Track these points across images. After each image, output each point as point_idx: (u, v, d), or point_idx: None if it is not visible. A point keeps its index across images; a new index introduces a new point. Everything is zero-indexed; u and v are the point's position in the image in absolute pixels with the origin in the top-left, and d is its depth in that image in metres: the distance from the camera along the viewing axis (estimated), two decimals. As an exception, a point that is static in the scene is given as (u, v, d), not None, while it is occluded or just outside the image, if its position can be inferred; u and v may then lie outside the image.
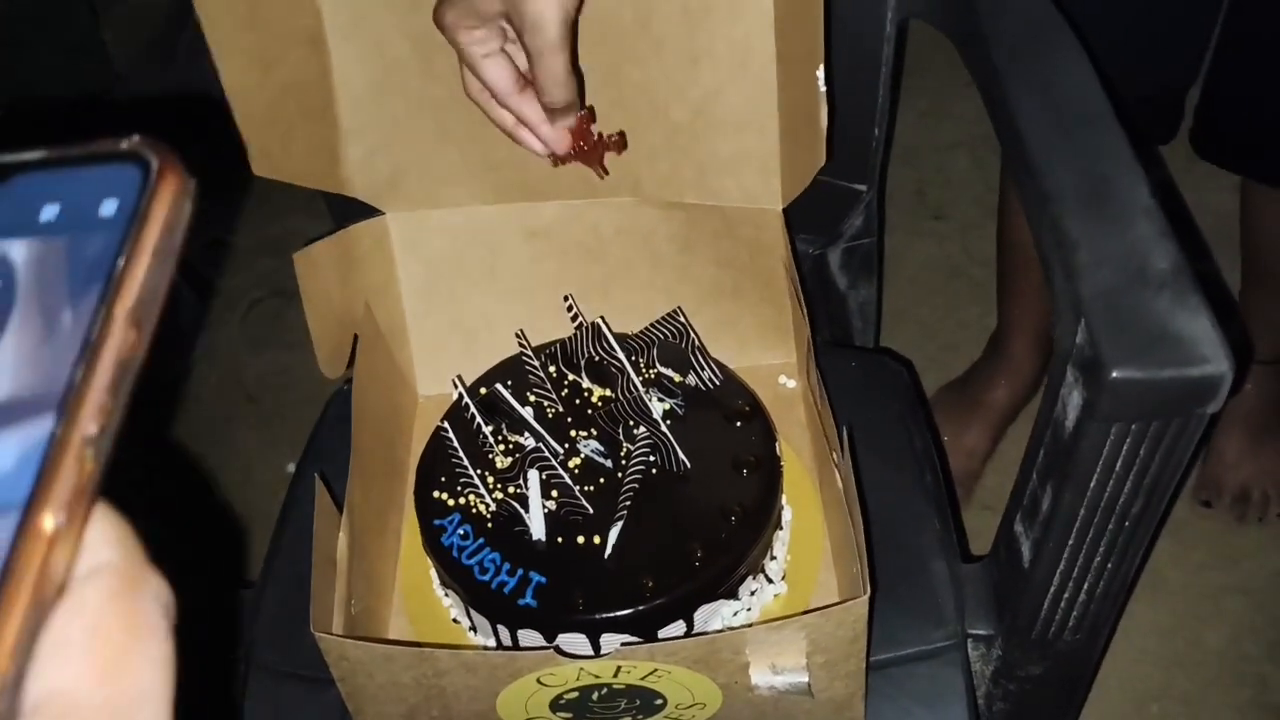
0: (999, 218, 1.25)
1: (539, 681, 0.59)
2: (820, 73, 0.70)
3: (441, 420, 0.77)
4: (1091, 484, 0.58)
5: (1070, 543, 0.61)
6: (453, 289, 0.87)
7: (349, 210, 0.83)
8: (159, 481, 1.10)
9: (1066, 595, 0.65)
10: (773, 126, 0.77)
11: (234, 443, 1.50)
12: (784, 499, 0.75)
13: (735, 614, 0.70)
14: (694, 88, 0.76)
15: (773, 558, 0.73)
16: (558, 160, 0.73)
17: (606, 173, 0.76)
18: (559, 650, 0.57)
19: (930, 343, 1.47)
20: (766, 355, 0.87)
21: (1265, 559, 1.26)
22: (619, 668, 0.58)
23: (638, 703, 0.61)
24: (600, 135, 0.73)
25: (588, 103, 0.75)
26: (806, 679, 0.59)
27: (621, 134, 0.74)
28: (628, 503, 0.71)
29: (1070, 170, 0.61)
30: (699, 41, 0.73)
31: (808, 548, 0.75)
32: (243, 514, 1.40)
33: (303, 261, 0.76)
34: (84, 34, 1.47)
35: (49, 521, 0.21)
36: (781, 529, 0.75)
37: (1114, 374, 0.52)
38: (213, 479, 1.45)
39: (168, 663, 0.23)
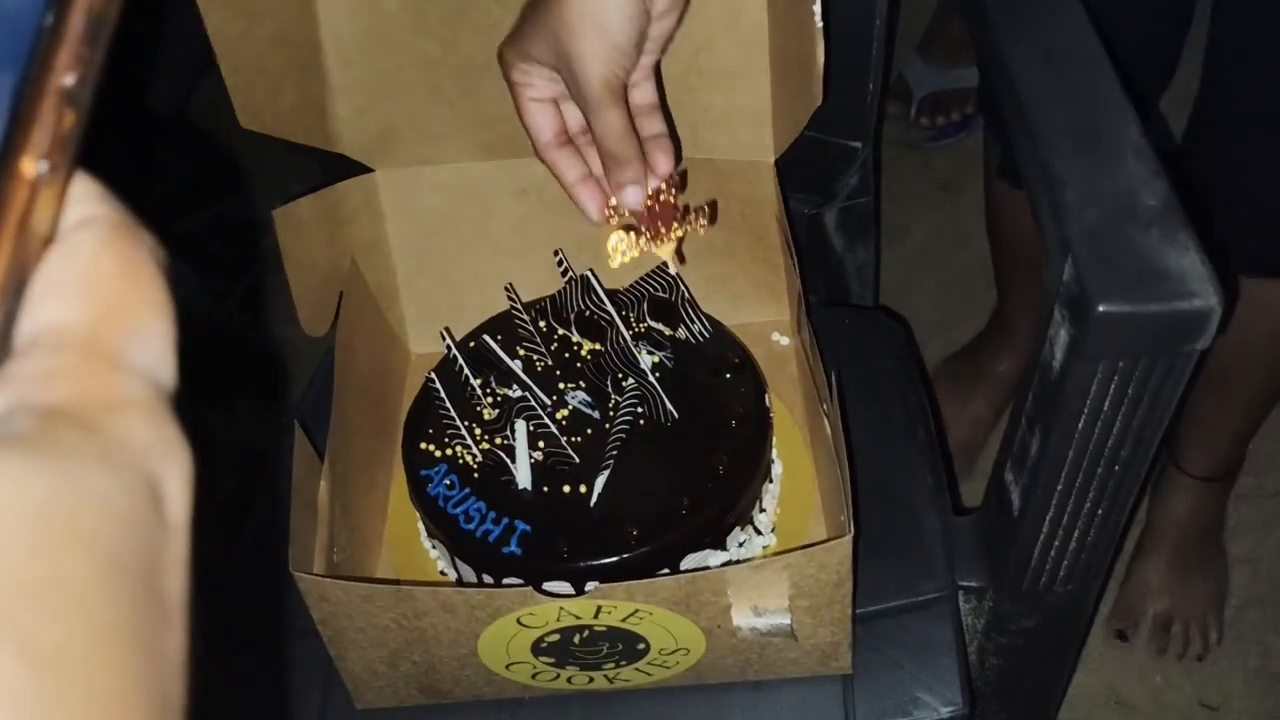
0: (987, 200, 1.22)
1: (519, 622, 0.58)
2: (817, 7, 0.68)
3: (430, 373, 0.76)
4: (1079, 426, 0.57)
5: (1059, 488, 0.60)
6: (444, 247, 0.86)
7: (342, 167, 0.82)
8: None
9: (1056, 544, 0.64)
10: (765, 77, 0.76)
11: (235, 414, 1.50)
12: (774, 454, 0.75)
13: (723, 565, 0.70)
14: (686, 41, 0.75)
15: (761, 510, 0.72)
16: (610, 220, 0.66)
17: (682, 260, 0.69)
18: (538, 589, 0.57)
19: (935, 312, 1.46)
20: (759, 312, 0.86)
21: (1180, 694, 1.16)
22: (599, 608, 0.58)
23: (620, 647, 0.61)
24: (680, 207, 0.66)
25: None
26: (789, 621, 0.59)
27: (713, 205, 0.69)
28: (615, 452, 0.70)
29: (1060, 110, 0.61)
30: None
31: (798, 503, 0.74)
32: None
33: (284, 218, 0.75)
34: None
35: (30, 166, 0.21)
36: (771, 482, 0.74)
37: (1100, 308, 0.51)
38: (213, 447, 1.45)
39: (167, 309, 0.22)
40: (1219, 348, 1.01)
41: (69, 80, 0.22)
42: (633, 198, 0.63)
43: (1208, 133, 0.96)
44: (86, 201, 0.22)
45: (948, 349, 1.39)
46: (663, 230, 0.65)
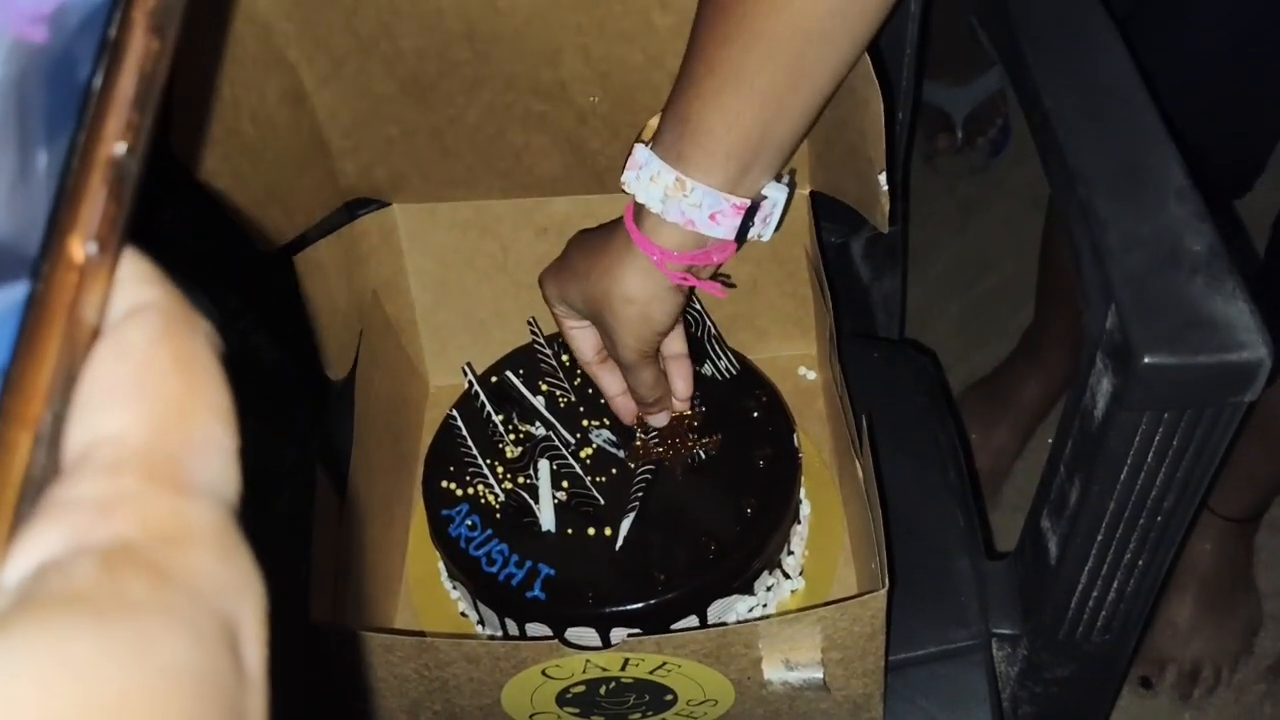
0: (1045, 225, 1.20)
1: (544, 674, 0.57)
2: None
3: (451, 409, 0.75)
4: (1121, 476, 0.55)
5: (1099, 539, 0.59)
6: (463, 282, 0.85)
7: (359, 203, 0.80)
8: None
9: (1095, 594, 0.62)
10: None
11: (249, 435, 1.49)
12: (802, 494, 0.73)
13: (750, 610, 0.68)
14: None
15: (790, 553, 0.71)
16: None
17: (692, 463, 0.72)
18: (564, 641, 0.55)
19: (957, 338, 1.44)
20: (786, 346, 0.84)
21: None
22: (627, 660, 0.56)
23: (647, 698, 0.59)
24: (692, 440, 0.72)
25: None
26: (822, 675, 0.57)
27: (717, 438, 0.72)
28: (640, 494, 0.69)
29: (1100, 150, 0.59)
30: None
31: (826, 544, 0.73)
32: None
33: (305, 263, 0.73)
34: None
35: (78, 248, 0.19)
36: (799, 524, 0.72)
37: (1145, 360, 0.50)
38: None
39: (230, 413, 0.20)
40: (1265, 394, 1.00)
41: (119, 149, 0.19)
42: (660, 422, 0.72)
43: None
44: (136, 284, 0.20)
45: (970, 376, 1.38)
46: (680, 442, 0.72)
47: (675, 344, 0.70)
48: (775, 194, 0.62)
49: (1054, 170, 0.61)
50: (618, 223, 0.63)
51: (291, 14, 0.67)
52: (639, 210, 0.60)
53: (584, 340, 0.69)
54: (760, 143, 0.58)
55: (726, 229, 0.60)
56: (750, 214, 0.60)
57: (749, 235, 0.61)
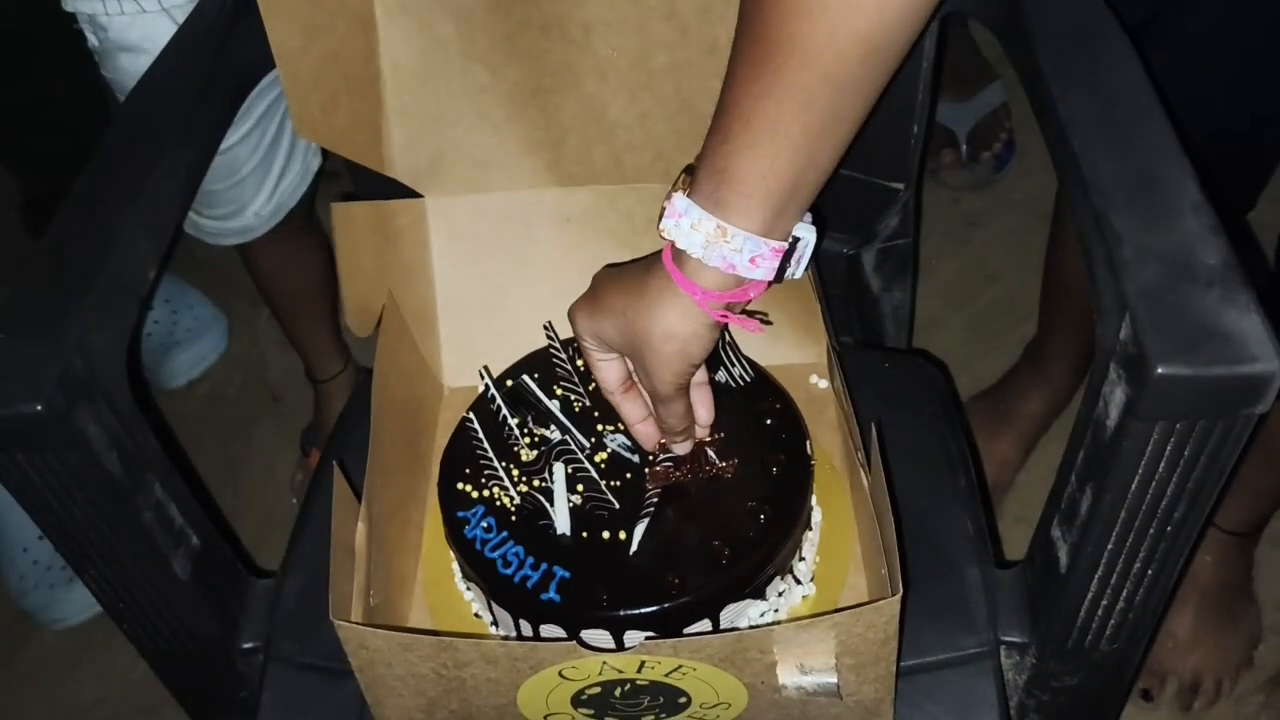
0: (1050, 238, 1.20)
1: (561, 675, 0.58)
2: None
3: (467, 411, 0.76)
4: (1133, 486, 0.56)
5: (1109, 547, 0.59)
6: (486, 276, 0.87)
7: (372, 179, 0.83)
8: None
9: (1104, 602, 0.63)
10: None
11: (257, 441, 1.50)
12: (814, 500, 0.74)
13: (762, 614, 0.69)
14: (716, 79, 0.75)
15: (801, 559, 0.71)
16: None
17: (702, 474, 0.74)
18: (581, 642, 0.56)
19: (963, 350, 1.45)
20: (798, 354, 0.85)
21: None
22: (642, 663, 0.57)
23: (661, 700, 0.60)
24: (709, 465, 0.73)
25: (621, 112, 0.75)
26: (835, 680, 0.58)
27: (734, 463, 0.73)
28: (654, 499, 0.69)
29: (1115, 163, 0.60)
30: (719, 32, 0.73)
31: (838, 550, 0.74)
32: (263, 512, 1.40)
33: (341, 215, 0.79)
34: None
35: None
36: (811, 530, 0.73)
37: (1159, 370, 0.50)
38: (233, 477, 1.45)
39: None
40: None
41: None
42: (683, 450, 0.72)
43: None
44: None
45: (974, 387, 1.38)
46: (697, 466, 0.73)
47: (699, 373, 0.71)
48: (806, 234, 0.64)
49: (1069, 181, 0.62)
50: (653, 261, 0.65)
51: None
52: (678, 254, 0.62)
53: (610, 372, 0.70)
54: (794, 188, 0.60)
55: (765, 270, 0.62)
56: (787, 256, 0.62)
57: (785, 275, 0.64)
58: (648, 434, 0.72)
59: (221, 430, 1.51)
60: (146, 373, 1.55)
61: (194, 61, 0.75)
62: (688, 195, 0.62)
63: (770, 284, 0.64)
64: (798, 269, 0.64)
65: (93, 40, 1.00)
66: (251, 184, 1.10)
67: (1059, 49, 0.66)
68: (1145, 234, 0.56)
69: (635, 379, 0.71)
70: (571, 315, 0.70)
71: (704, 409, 0.72)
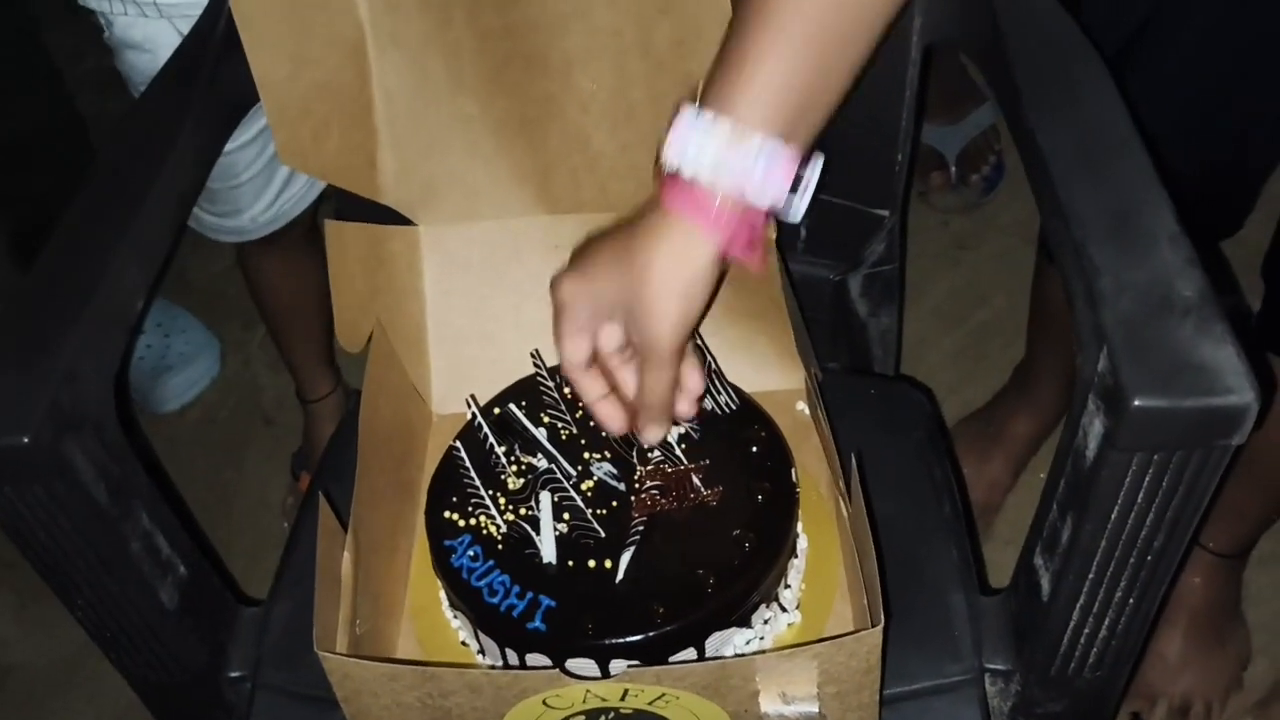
0: (1037, 262, 1.21)
1: (545, 703, 0.58)
2: None
3: (454, 440, 0.76)
4: (1112, 516, 0.57)
5: (1090, 576, 0.60)
6: (475, 304, 0.87)
7: (359, 203, 0.83)
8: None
9: (1087, 630, 0.63)
10: None
11: (249, 465, 1.50)
12: (799, 527, 0.74)
13: (748, 642, 0.69)
14: None
15: (787, 586, 0.72)
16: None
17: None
18: (565, 671, 0.56)
19: (952, 372, 1.46)
20: (784, 379, 0.86)
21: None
22: (626, 691, 0.57)
23: (645, 729, 0.60)
24: (695, 493, 0.72)
25: (602, 130, 0.76)
26: (818, 709, 0.58)
27: (719, 491, 0.73)
28: (640, 527, 0.70)
29: (1093, 195, 0.60)
30: (693, 67, 0.74)
31: (823, 577, 0.74)
32: (256, 536, 1.40)
33: (334, 233, 0.80)
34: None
35: None
36: (796, 557, 0.73)
37: (1136, 403, 0.51)
38: (226, 502, 1.45)
39: None
40: (1251, 435, 0.98)
41: None
42: (653, 439, 0.70)
43: None
44: None
45: (964, 409, 1.39)
46: (682, 494, 0.72)
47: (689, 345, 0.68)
48: (810, 171, 0.63)
49: (1048, 212, 0.62)
50: (646, 209, 0.63)
51: None
52: (681, 186, 0.61)
53: (578, 344, 0.68)
54: (808, 96, 0.60)
55: (776, 189, 0.60)
56: (794, 186, 0.61)
57: (787, 211, 0.62)
58: (609, 414, 0.70)
59: (214, 454, 1.51)
60: (139, 396, 1.56)
61: (184, 90, 0.75)
62: (698, 107, 0.60)
63: (767, 220, 0.62)
64: (801, 203, 0.62)
65: (105, 33, 1.02)
66: (250, 190, 1.11)
67: (1038, 79, 0.67)
68: (1122, 266, 0.57)
69: (607, 355, 0.68)
70: (555, 283, 0.67)
71: (694, 375, 0.69)
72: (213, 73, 0.76)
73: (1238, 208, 0.98)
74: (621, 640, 0.64)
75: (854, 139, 0.88)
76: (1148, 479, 0.55)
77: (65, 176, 1.41)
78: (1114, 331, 0.54)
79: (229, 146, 0.99)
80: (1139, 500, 0.56)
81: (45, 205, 1.37)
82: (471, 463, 0.74)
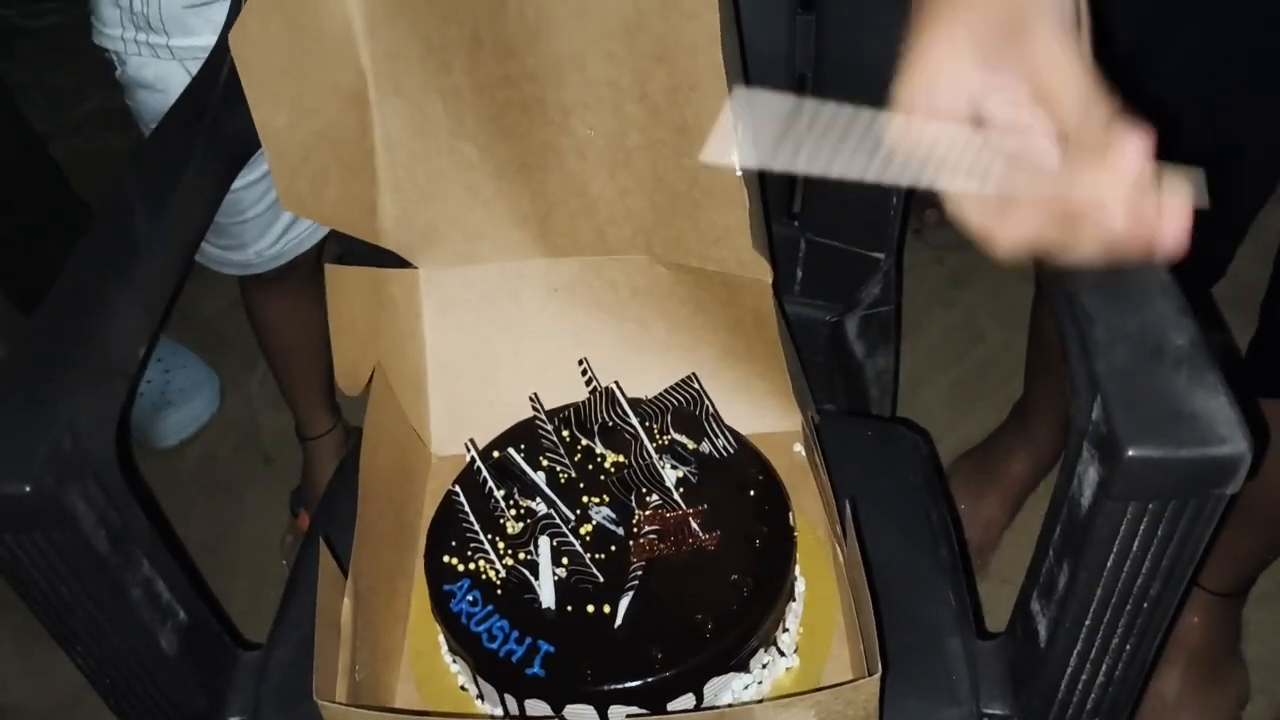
0: (1034, 299, 1.21)
1: (544, 755, 0.58)
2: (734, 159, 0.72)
3: (453, 484, 0.76)
4: (1108, 564, 0.57)
5: (1087, 623, 0.60)
6: (475, 346, 0.88)
7: (362, 244, 0.84)
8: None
9: (1084, 677, 0.63)
10: (758, 203, 0.79)
11: (248, 503, 1.50)
12: (797, 570, 0.74)
13: (746, 687, 0.69)
14: (687, 158, 0.77)
15: (785, 630, 0.72)
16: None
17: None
18: (560, 714, 0.56)
19: (948, 410, 1.46)
20: (781, 421, 0.86)
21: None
22: (625, 741, 0.57)
23: (644, 778, 0.60)
24: (693, 538, 0.72)
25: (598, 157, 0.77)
26: (816, 758, 0.58)
27: (717, 535, 0.73)
28: (639, 572, 0.70)
29: (1086, 245, 0.61)
30: (687, 114, 0.75)
31: (821, 620, 0.74)
32: (255, 575, 1.40)
33: (334, 277, 0.80)
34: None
35: None
36: (794, 601, 0.74)
37: (1130, 452, 0.51)
38: (225, 540, 1.45)
39: None
40: (1260, 487, 0.97)
41: None
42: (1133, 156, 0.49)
43: None
44: None
45: (960, 446, 1.39)
46: (680, 539, 0.72)
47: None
48: None
49: (1042, 261, 0.63)
50: None
51: (372, 22, 0.77)
52: None
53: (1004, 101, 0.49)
54: None
55: None
56: None
57: None
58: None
59: (213, 491, 1.51)
60: (138, 431, 1.56)
61: (187, 138, 0.76)
62: None
63: None
64: None
65: (117, 70, 1.03)
66: (256, 226, 1.12)
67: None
68: (1115, 315, 0.57)
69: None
70: (908, 74, 0.51)
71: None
72: (215, 120, 0.77)
73: (1221, 252, 0.99)
74: (619, 686, 0.65)
75: (848, 184, 0.89)
76: (1143, 527, 0.55)
77: (43, 217, 1.42)
78: (1107, 381, 0.54)
79: (236, 184, 1.01)
80: (1134, 549, 0.56)
81: (25, 244, 1.38)
82: (470, 507, 0.74)
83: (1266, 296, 0.95)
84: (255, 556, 1.43)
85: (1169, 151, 0.91)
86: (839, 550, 0.68)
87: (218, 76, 0.78)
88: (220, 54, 0.77)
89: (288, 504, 1.44)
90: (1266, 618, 1.25)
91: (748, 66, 0.82)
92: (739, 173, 0.74)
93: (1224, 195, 0.93)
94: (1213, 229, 0.96)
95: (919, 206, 1.64)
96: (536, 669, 0.66)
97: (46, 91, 2.08)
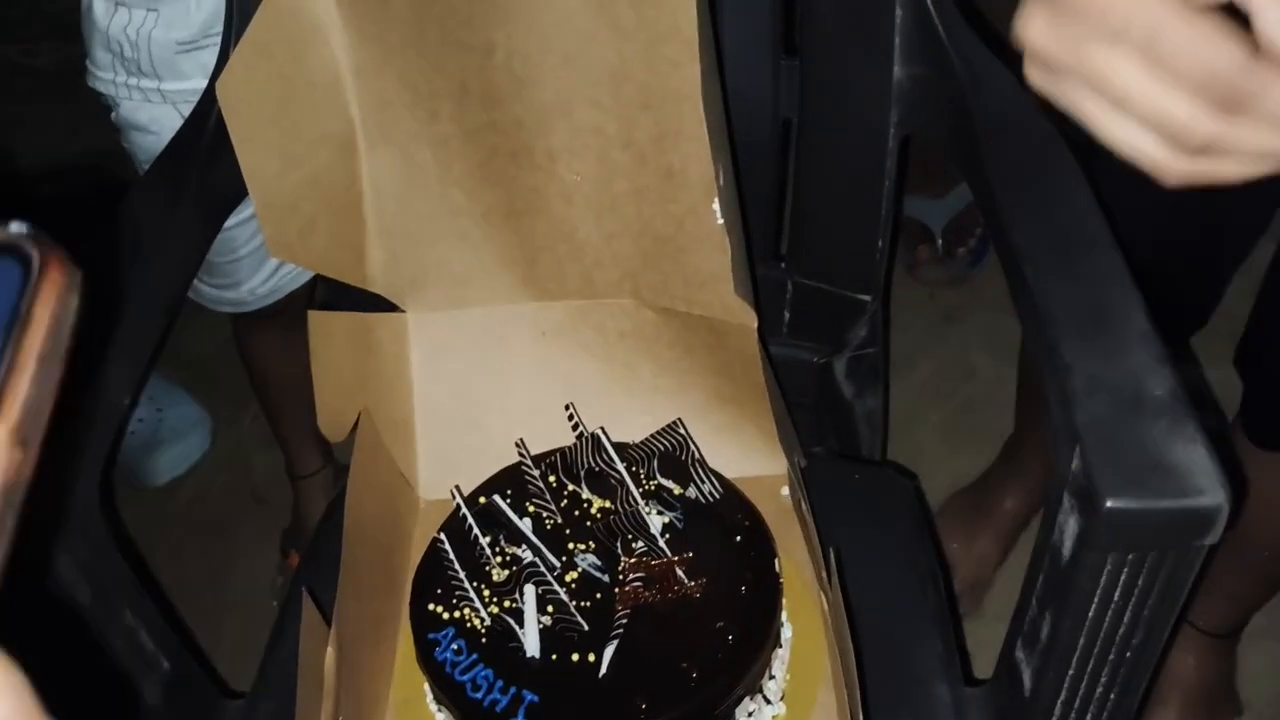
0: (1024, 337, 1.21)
1: (525, 809, 0.58)
2: (716, 205, 0.75)
3: (438, 532, 0.76)
4: (1090, 614, 0.57)
5: (1071, 673, 0.60)
6: (463, 390, 0.88)
7: (348, 285, 0.84)
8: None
9: (1069, 725, 0.63)
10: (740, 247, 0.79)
11: (240, 543, 1.49)
12: (784, 616, 0.74)
13: (732, 737, 0.69)
14: (673, 204, 0.78)
15: (771, 677, 0.72)
16: None
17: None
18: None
19: (941, 446, 1.46)
20: (769, 465, 0.86)
21: None
22: (607, 797, 0.57)
23: (627, 832, 0.60)
24: (679, 585, 0.72)
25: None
26: (799, 811, 0.58)
27: (703, 583, 0.73)
28: (624, 620, 0.70)
29: (1066, 293, 0.61)
30: (673, 160, 0.75)
31: (808, 666, 0.74)
32: (246, 615, 1.39)
33: (318, 324, 0.80)
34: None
35: None
36: (781, 648, 0.73)
37: (1108, 504, 0.51)
38: (216, 580, 1.44)
39: None
40: (1252, 522, 0.95)
41: None
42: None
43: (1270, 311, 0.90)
44: None
45: (953, 482, 1.39)
46: (665, 586, 0.72)
47: None
48: None
49: (1023, 309, 0.63)
50: None
51: (360, 71, 0.77)
52: None
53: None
54: None
55: None
56: None
57: None
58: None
59: (204, 531, 1.51)
60: (130, 471, 1.55)
61: (174, 187, 0.77)
62: None
63: None
64: None
65: (113, 113, 1.04)
66: (249, 264, 1.12)
67: (1012, 177, 0.68)
68: (1094, 365, 0.57)
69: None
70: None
71: None
72: (203, 168, 0.77)
73: (1206, 298, 0.99)
74: (604, 737, 0.64)
75: (835, 226, 0.90)
76: (1123, 578, 0.55)
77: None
78: (1086, 431, 0.54)
79: (229, 223, 1.02)
80: (1116, 599, 0.56)
81: None
82: (456, 555, 0.74)
83: (1240, 349, 0.94)
84: (246, 596, 1.42)
85: (1160, 203, 0.91)
86: (824, 598, 0.68)
87: (206, 124, 0.78)
88: (209, 101, 0.78)
89: (279, 544, 1.43)
90: (1262, 656, 1.24)
91: (732, 112, 0.83)
92: (720, 221, 0.74)
93: (1210, 244, 0.94)
94: (1197, 277, 0.97)
95: (911, 243, 1.65)
96: (520, 719, 0.66)
97: (44, 129, 2.09)
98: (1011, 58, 0.76)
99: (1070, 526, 0.56)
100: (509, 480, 0.81)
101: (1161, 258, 0.79)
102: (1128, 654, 0.58)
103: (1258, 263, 0.94)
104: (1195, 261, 0.95)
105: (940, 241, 1.63)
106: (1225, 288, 0.98)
